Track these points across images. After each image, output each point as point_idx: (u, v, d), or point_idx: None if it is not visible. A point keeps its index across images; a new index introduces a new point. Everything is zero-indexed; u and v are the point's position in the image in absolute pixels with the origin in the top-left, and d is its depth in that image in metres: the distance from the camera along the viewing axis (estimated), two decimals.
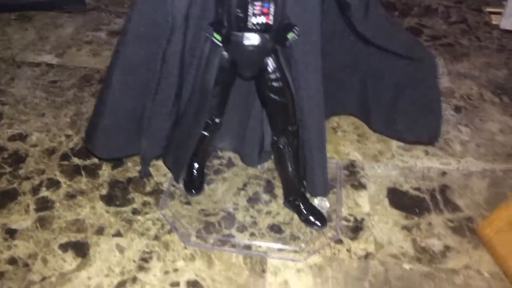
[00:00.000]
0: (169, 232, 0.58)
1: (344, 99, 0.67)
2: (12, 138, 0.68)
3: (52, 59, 0.83)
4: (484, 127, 0.76)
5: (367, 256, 0.57)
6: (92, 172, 0.65)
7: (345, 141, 0.72)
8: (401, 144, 0.72)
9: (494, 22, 1.02)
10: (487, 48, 0.95)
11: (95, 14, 0.96)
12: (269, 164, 0.66)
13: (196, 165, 0.62)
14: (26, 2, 0.94)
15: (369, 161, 0.69)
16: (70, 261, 0.54)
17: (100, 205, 0.61)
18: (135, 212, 0.60)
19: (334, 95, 0.65)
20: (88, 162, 0.66)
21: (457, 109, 0.79)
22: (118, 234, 0.58)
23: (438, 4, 1.07)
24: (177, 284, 0.53)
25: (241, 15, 0.45)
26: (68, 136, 0.69)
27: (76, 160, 0.66)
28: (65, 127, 0.71)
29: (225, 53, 0.48)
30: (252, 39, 0.46)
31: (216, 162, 0.67)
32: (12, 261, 0.54)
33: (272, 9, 0.45)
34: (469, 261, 0.57)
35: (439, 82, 0.61)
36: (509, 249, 0.55)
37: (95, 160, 0.66)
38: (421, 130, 0.61)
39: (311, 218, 0.59)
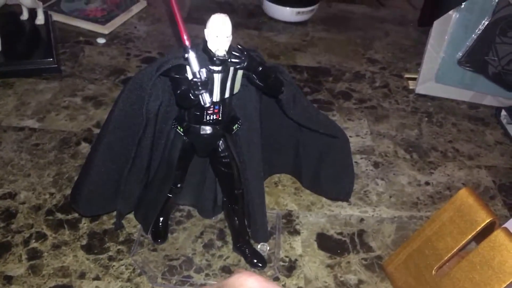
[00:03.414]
0: (139, 275, 0.71)
1: (281, 163, 0.84)
2: (3, 197, 0.80)
3: (34, 124, 0.96)
4: (396, 180, 0.94)
5: None
6: (74, 225, 0.77)
7: (284, 194, 0.88)
8: None
9: (411, 87, 1.22)
10: (404, 110, 1.14)
11: (70, 80, 1.08)
12: (221, 215, 0.81)
13: (161, 218, 0.76)
14: (7, 70, 1.06)
15: (303, 210, 0.85)
16: None
17: (81, 254, 0.73)
18: (110, 259, 0.73)
19: (273, 160, 0.81)
20: (70, 216, 0.78)
21: (376, 164, 0.97)
22: (97, 278, 0.70)
23: (366, 70, 1.27)
24: None
25: (198, 113, 0.61)
26: (51, 194, 0.82)
27: (59, 215, 0.79)
28: (49, 186, 0.83)
29: (185, 138, 0.64)
30: (206, 130, 0.62)
31: (178, 214, 0.81)
32: None
33: (221, 109, 0.61)
34: None
35: (350, 153, 0.78)
36: (405, 282, 0.71)
37: (76, 215, 0.78)
38: (338, 190, 0.79)
39: (254, 260, 0.73)
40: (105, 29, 1.26)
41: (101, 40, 1.23)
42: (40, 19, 1.18)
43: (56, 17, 1.27)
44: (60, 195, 0.82)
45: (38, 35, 1.17)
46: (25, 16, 1.19)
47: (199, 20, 1.33)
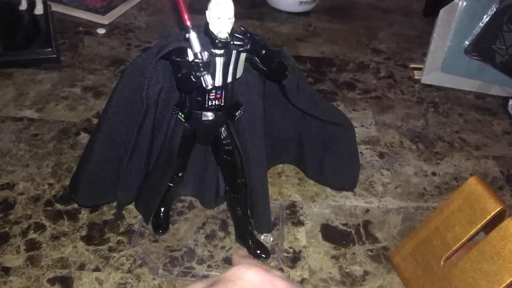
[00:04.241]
0: (140, 266, 0.70)
1: (285, 152, 0.82)
2: (1, 188, 0.79)
3: (32, 114, 0.94)
4: (402, 170, 0.92)
5: (302, 281, 0.70)
6: (73, 216, 0.76)
7: (288, 184, 0.86)
8: None
9: (416, 77, 1.20)
10: (409, 100, 1.12)
11: (70, 70, 1.07)
12: (223, 206, 0.79)
13: (162, 209, 0.74)
14: (6, 60, 1.05)
15: (307, 201, 0.84)
16: None
17: (81, 245, 0.72)
18: (111, 249, 0.72)
19: (277, 149, 0.79)
20: (69, 207, 0.77)
21: (381, 155, 0.95)
22: (97, 269, 0.69)
23: (370, 60, 1.25)
24: None
25: (199, 99, 0.59)
26: (50, 185, 0.80)
27: (58, 206, 0.77)
28: (48, 176, 0.82)
29: (187, 125, 0.62)
30: (208, 116, 0.60)
31: (179, 205, 0.80)
32: None
33: (223, 94, 0.59)
34: (382, 283, 0.71)
35: (356, 141, 0.76)
36: (412, 273, 0.69)
37: (75, 206, 0.77)
38: (343, 180, 0.77)
39: (258, 251, 0.72)
40: (105, 20, 1.24)
41: (101, 31, 1.22)
42: (39, 9, 1.16)
43: (55, 7, 1.25)
44: (59, 186, 0.80)
45: (37, 25, 1.15)
46: (23, 6, 1.17)
47: (200, 10, 1.30)
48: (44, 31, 1.12)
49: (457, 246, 0.64)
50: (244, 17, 1.36)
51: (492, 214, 0.62)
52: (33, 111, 0.95)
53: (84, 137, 0.90)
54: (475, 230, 0.63)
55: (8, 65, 1.05)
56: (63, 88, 1.02)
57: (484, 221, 0.62)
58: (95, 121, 0.94)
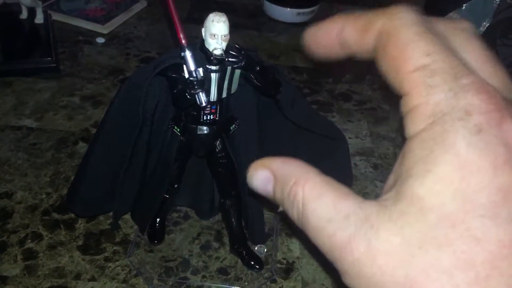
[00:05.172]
0: (135, 276, 0.71)
1: None
2: None
3: (31, 123, 0.95)
4: None
5: None
6: (70, 225, 0.77)
7: None
8: None
9: None
10: None
11: (69, 79, 1.08)
12: (218, 216, 0.80)
13: (158, 219, 0.75)
14: (6, 69, 1.06)
15: None
16: None
17: (77, 254, 0.73)
18: (106, 259, 0.73)
19: None
20: (66, 217, 0.78)
21: (375, 166, 0.97)
22: (92, 279, 0.70)
23: (366, 71, 1.26)
24: None
25: (195, 113, 0.60)
26: (48, 194, 0.81)
27: (55, 215, 0.78)
28: (45, 185, 0.83)
29: (182, 139, 0.63)
30: (203, 130, 0.62)
31: (175, 215, 0.81)
32: None
33: (218, 109, 0.60)
34: None
35: (349, 155, 0.77)
36: None
37: (72, 215, 0.78)
38: None
39: (251, 262, 0.73)
40: (105, 29, 1.26)
41: (100, 40, 1.23)
42: (39, 18, 1.17)
43: (56, 16, 1.26)
44: (56, 195, 0.81)
45: (37, 34, 1.16)
46: (24, 15, 1.18)
47: (199, 20, 1.32)
48: (44, 40, 1.14)
49: None
50: (241, 27, 1.37)
51: None
52: (32, 120, 0.96)
53: (82, 147, 0.91)
54: None
55: (7, 74, 1.06)
56: (62, 97, 1.03)
57: None
58: (93, 130, 0.95)
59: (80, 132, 0.95)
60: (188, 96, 0.54)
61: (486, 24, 1.05)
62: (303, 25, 1.42)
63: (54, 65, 1.08)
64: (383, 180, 0.92)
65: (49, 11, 1.24)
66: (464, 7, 1.05)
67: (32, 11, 1.18)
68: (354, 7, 1.57)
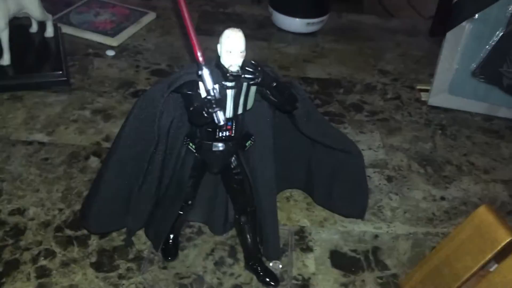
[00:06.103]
0: None
1: (293, 178, 0.82)
2: (12, 213, 0.79)
3: (43, 138, 0.95)
4: (410, 195, 0.92)
5: None
6: (83, 242, 0.76)
7: (296, 209, 0.86)
8: None
9: (423, 99, 1.20)
10: (417, 122, 1.12)
11: (80, 93, 1.08)
12: (232, 232, 0.79)
13: (172, 235, 0.74)
14: (17, 83, 1.06)
15: (316, 226, 0.83)
16: None
17: (90, 272, 0.72)
18: (120, 276, 0.72)
19: (285, 175, 0.80)
20: (79, 233, 0.77)
21: (389, 179, 0.95)
22: None
23: (377, 81, 1.25)
24: None
25: (210, 130, 0.59)
26: (60, 210, 0.81)
27: (68, 232, 0.77)
28: (58, 201, 0.82)
29: (197, 155, 0.63)
30: (219, 146, 0.61)
31: (188, 230, 0.80)
32: None
33: (234, 125, 0.60)
34: None
35: (364, 170, 0.76)
36: None
37: (85, 232, 0.77)
38: (351, 208, 0.77)
39: (267, 279, 0.72)
40: (114, 41, 1.26)
41: (110, 53, 1.23)
42: (49, 32, 1.18)
43: (66, 29, 1.27)
44: (69, 211, 0.81)
45: (48, 47, 1.16)
46: (34, 28, 1.18)
47: (208, 31, 1.32)
48: (55, 54, 1.14)
49: (467, 276, 0.64)
50: (251, 38, 1.37)
51: (502, 245, 0.62)
52: (43, 135, 0.96)
53: (93, 161, 0.91)
54: (485, 260, 0.63)
55: (18, 88, 1.06)
56: (73, 111, 1.03)
57: (495, 251, 0.62)
58: (105, 144, 0.94)
59: (92, 146, 0.94)
60: (205, 115, 0.53)
61: (499, 33, 1.04)
62: (313, 35, 1.41)
63: (65, 78, 1.08)
64: (398, 193, 0.91)
65: (59, 24, 1.24)
66: (476, 17, 1.04)
67: (42, 25, 1.18)
68: (363, 15, 1.57)
